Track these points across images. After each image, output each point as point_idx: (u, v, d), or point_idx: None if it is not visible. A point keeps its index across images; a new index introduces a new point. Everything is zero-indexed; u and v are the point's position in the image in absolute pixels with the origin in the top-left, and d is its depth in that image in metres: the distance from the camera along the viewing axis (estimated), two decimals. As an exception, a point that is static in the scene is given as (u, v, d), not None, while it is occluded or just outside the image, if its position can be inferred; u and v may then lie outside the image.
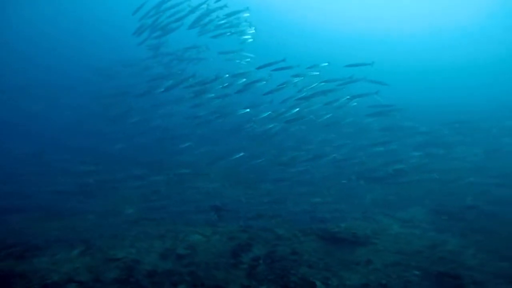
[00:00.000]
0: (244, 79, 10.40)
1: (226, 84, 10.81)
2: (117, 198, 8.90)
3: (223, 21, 11.39)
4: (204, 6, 11.36)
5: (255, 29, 11.26)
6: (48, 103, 18.77)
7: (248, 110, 10.52)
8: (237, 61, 11.91)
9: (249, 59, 12.03)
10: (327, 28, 55.47)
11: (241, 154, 10.24)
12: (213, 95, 11.01)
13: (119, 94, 15.43)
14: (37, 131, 15.96)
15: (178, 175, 10.14)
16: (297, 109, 9.96)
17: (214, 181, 9.89)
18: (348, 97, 9.74)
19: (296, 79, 9.49)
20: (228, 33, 11.27)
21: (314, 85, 9.37)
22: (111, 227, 6.69)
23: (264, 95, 9.80)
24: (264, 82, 9.68)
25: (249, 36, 11.27)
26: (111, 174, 10.53)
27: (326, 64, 9.45)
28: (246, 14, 11.29)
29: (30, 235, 5.66)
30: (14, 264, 4.43)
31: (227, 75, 10.74)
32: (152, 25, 11.96)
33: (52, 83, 21.13)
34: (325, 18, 54.28)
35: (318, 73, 9.49)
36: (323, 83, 9.37)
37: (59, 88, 20.24)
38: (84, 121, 16.37)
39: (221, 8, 11.42)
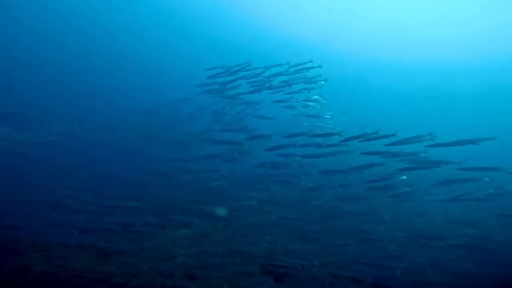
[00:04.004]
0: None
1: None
2: (166, 240, 8.10)
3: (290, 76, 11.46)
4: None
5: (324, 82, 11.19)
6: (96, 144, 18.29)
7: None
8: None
9: (319, 107, 11.66)
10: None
11: None
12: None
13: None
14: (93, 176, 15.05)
15: (231, 223, 9.24)
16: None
17: (277, 235, 8.68)
18: None
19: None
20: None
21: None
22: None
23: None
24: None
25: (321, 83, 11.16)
26: (158, 215, 9.82)
27: (430, 136, 8.01)
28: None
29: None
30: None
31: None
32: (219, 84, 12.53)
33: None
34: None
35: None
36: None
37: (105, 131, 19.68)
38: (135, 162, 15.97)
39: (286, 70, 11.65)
